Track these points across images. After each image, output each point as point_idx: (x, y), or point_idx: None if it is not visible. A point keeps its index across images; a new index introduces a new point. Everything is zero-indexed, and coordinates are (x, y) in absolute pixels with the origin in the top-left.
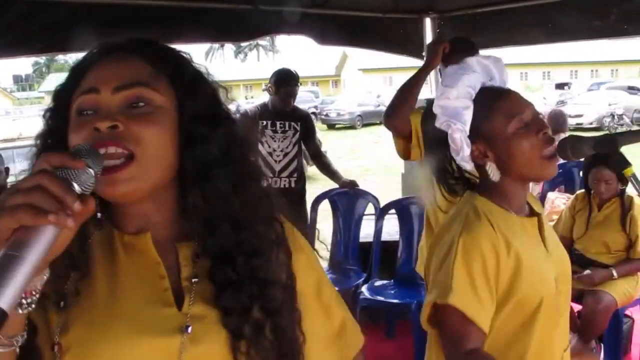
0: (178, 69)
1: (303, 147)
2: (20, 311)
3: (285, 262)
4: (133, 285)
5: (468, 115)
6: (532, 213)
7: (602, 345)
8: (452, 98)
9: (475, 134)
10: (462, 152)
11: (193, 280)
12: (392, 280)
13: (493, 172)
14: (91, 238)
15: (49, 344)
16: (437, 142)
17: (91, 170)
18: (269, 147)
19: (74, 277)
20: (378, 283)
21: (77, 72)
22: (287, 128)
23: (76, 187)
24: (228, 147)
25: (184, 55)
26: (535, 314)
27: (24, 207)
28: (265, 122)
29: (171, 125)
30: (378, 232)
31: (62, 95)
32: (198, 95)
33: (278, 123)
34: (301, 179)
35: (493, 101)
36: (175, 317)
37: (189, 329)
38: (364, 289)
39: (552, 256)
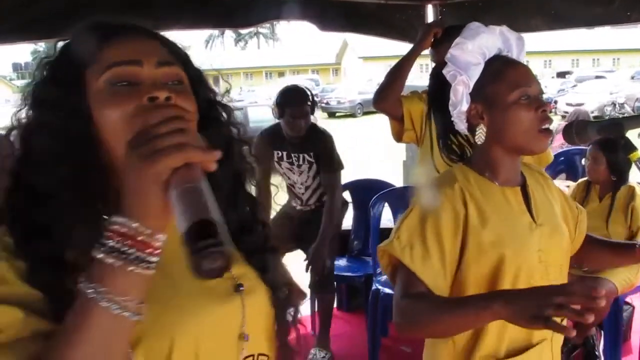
0: (186, 55)
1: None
2: (145, 271)
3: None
4: (178, 263)
5: (476, 72)
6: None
7: (602, 331)
8: (466, 50)
9: (477, 94)
10: (460, 106)
11: None
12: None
13: (480, 135)
14: None
15: None
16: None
17: None
18: (289, 179)
19: None
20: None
21: (89, 45)
22: (301, 162)
23: None
24: (232, 130)
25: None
26: (502, 277)
27: (189, 145)
28: (280, 153)
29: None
30: (376, 219)
31: (68, 67)
32: (203, 82)
33: (293, 155)
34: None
35: (503, 67)
36: (223, 282)
37: (243, 286)
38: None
39: (542, 227)
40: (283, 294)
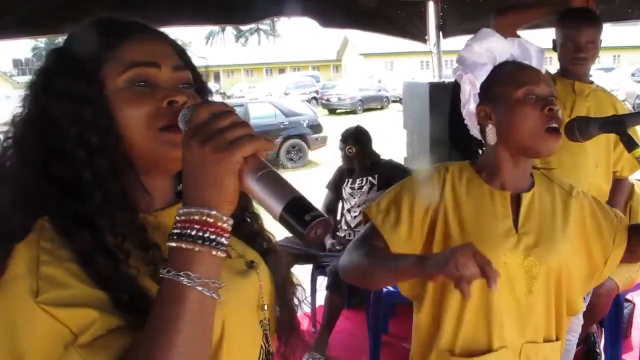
0: (191, 61)
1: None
2: (219, 253)
3: None
4: None
5: (482, 73)
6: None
7: (602, 329)
8: (473, 52)
9: (485, 95)
10: (468, 105)
11: None
12: None
13: (491, 135)
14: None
15: None
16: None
17: None
18: (349, 204)
19: (157, 251)
20: None
21: (106, 41)
22: (363, 183)
23: None
24: None
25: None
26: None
27: (256, 136)
28: (347, 180)
29: None
30: None
31: (84, 61)
32: (205, 81)
33: (358, 180)
34: None
35: (512, 68)
36: (234, 263)
37: (254, 263)
38: None
39: (525, 236)
40: (280, 274)
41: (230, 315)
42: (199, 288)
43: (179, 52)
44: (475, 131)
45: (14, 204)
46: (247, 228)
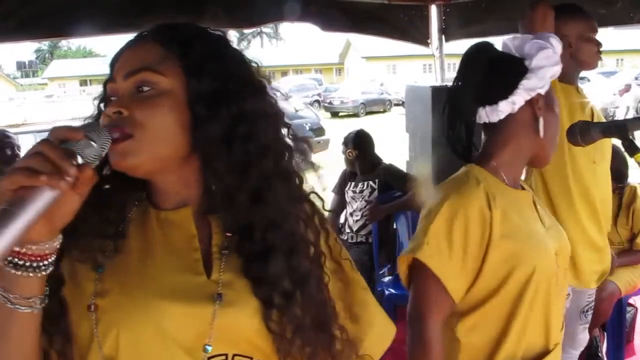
0: (187, 48)
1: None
2: (37, 274)
3: (312, 240)
4: (165, 257)
5: (546, 73)
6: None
7: (605, 333)
8: (556, 47)
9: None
10: (525, 88)
11: (223, 251)
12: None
13: (542, 128)
14: (130, 214)
15: (81, 304)
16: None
17: (94, 143)
18: (352, 207)
19: (111, 246)
20: (387, 278)
21: (110, 64)
22: (364, 187)
23: (79, 158)
24: (237, 124)
25: (204, 33)
26: (527, 284)
27: (21, 170)
28: (349, 183)
29: (177, 106)
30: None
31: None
32: (204, 74)
33: (359, 184)
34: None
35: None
36: (207, 285)
37: (221, 296)
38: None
39: (549, 232)
40: (286, 310)
41: (145, 345)
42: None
43: (170, 44)
44: (493, 116)
45: None
46: (249, 247)
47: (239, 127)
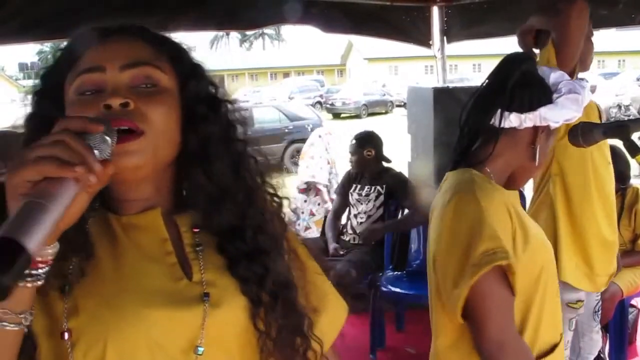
0: (177, 52)
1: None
2: (29, 284)
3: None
4: (140, 264)
5: (565, 114)
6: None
7: (607, 334)
8: (578, 102)
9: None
10: (541, 119)
11: (197, 248)
12: (404, 272)
13: (538, 154)
14: (87, 223)
15: (54, 333)
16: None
17: (109, 139)
18: (356, 209)
19: (77, 260)
20: (390, 274)
21: (70, 53)
22: (370, 191)
23: (96, 152)
24: (229, 127)
25: (180, 42)
26: (538, 282)
27: (49, 159)
28: (354, 185)
29: (176, 106)
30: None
31: (53, 77)
32: (199, 77)
33: (365, 187)
34: (380, 240)
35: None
36: (190, 287)
37: (209, 296)
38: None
39: (540, 230)
40: (273, 308)
41: (139, 352)
42: None
43: (158, 47)
44: (512, 123)
45: None
46: (236, 247)
47: (233, 128)
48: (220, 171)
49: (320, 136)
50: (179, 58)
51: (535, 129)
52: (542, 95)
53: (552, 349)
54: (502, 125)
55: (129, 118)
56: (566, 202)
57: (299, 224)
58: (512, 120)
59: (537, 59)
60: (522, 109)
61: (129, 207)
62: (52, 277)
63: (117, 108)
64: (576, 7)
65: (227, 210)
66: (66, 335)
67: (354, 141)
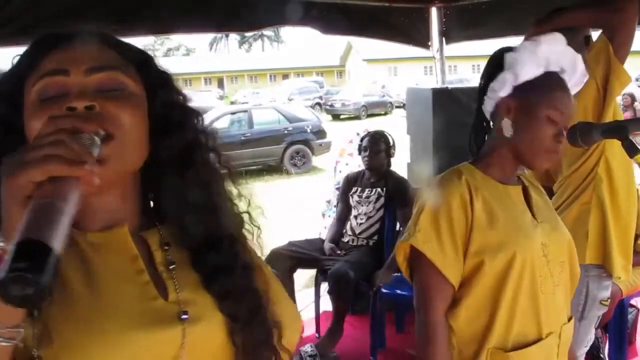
0: (144, 59)
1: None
2: None
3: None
4: (112, 284)
5: (530, 73)
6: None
7: (607, 334)
8: (533, 52)
9: (519, 92)
10: (499, 92)
11: (170, 267)
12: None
13: (507, 127)
14: None
15: None
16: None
17: (97, 139)
18: (357, 211)
19: None
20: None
21: (32, 57)
22: (371, 193)
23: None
24: (202, 135)
25: (145, 49)
26: (508, 271)
27: (56, 158)
28: (355, 188)
29: (144, 113)
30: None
31: (12, 81)
32: (168, 85)
33: (366, 189)
34: (380, 241)
35: (557, 85)
36: (167, 307)
37: (187, 314)
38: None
39: (542, 225)
40: (249, 324)
41: None
42: None
43: (124, 53)
44: (488, 109)
45: None
46: (212, 261)
47: (205, 136)
48: (194, 180)
49: (358, 134)
50: (146, 66)
51: (508, 101)
52: (491, 70)
53: (531, 342)
54: (486, 117)
55: (94, 121)
56: (613, 202)
57: None
58: (487, 107)
59: (585, 57)
60: (484, 94)
61: (93, 219)
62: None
63: (82, 111)
64: (537, 29)
65: (202, 221)
66: None
67: (367, 139)
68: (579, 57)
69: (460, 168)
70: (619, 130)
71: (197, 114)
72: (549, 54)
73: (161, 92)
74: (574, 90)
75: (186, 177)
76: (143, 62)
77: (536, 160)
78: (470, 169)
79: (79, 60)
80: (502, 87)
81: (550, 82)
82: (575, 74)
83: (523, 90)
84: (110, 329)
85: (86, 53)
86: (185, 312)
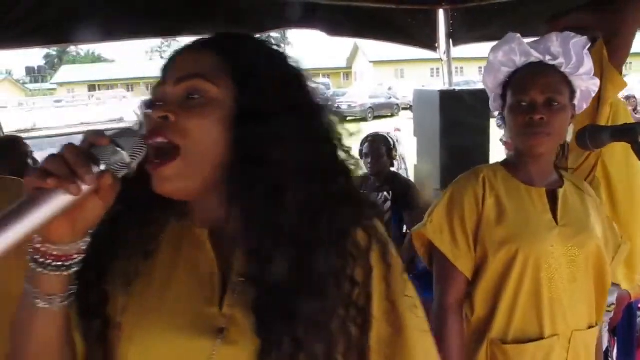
0: (242, 61)
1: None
2: (58, 273)
3: (359, 279)
4: (186, 277)
5: (498, 76)
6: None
7: (615, 338)
8: (492, 57)
9: (502, 97)
10: (494, 103)
11: (240, 279)
12: (412, 275)
13: (506, 132)
14: (167, 227)
15: (114, 322)
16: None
17: (123, 151)
18: None
19: (137, 261)
20: None
21: (162, 68)
22: (378, 197)
23: (103, 164)
24: (299, 145)
25: (262, 47)
26: (511, 266)
27: (38, 171)
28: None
29: (224, 119)
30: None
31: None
32: (260, 89)
33: (372, 193)
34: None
35: (520, 74)
36: (214, 317)
37: (223, 331)
38: None
39: (564, 228)
40: (291, 356)
41: (136, 357)
42: (32, 299)
43: (227, 55)
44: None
45: None
46: (261, 274)
47: (304, 145)
48: (291, 205)
49: (388, 133)
50: (243, 68)
51: (503, 104)
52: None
53: (532, 339)
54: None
55: (165, 131)
56: (612, 208)
57: None
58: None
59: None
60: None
61: (196, 216)
62: (120, 273)
63: (158, 121)
64: (552, 27)
65: (276, 269)
66: (118, 326)
67: (367, 144)
68: (566, 33)
69: (484, 167)
70: (628, 132)
71: (295, 118)
72: (508, 54)
73: (247, 98)
74: (575, 76)
75: (280, 200)
76: (240, 63)
77: (523, 146)
78: (495, 169)
79: (174, 71)
80: (492, 101)
81: (518, 72)
82: (568, 50)
83: (503, 93)
84: (157, 323)
85: (182, 63)
86: (222, 330)
